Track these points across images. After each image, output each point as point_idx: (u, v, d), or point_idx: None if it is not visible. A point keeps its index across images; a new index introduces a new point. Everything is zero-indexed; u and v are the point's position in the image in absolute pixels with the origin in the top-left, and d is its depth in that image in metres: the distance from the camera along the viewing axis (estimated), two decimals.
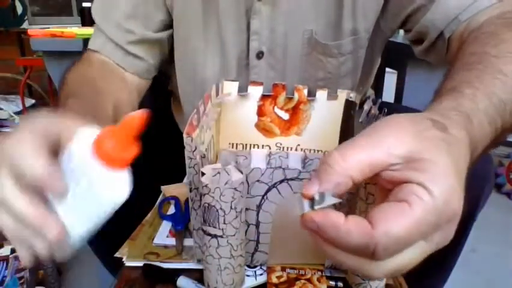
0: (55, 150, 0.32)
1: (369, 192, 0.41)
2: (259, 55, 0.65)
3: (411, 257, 0.27)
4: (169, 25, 0.68)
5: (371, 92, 0.85)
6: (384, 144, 0.27)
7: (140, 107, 0.69)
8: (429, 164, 0.26)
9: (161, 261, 0.50)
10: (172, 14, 0.67)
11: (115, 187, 0.31)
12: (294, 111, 0.61)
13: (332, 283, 0.47)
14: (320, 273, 0.48)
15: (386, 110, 0.48)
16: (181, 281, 0.46)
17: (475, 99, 0.34)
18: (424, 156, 0.26)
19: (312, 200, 0.27)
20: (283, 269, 0.49)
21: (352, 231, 0.25)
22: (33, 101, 1.82)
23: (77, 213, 0.32)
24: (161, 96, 0.79)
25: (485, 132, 0.34)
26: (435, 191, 0.25)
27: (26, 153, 0.30)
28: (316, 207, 0.27)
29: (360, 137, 0.29)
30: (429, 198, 0.25)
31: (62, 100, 0.51)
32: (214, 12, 0.64)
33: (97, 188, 0.30)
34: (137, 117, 0.29)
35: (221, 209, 0.40)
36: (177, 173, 0.69)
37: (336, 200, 0.27)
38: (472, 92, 0.35)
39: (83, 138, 0.30)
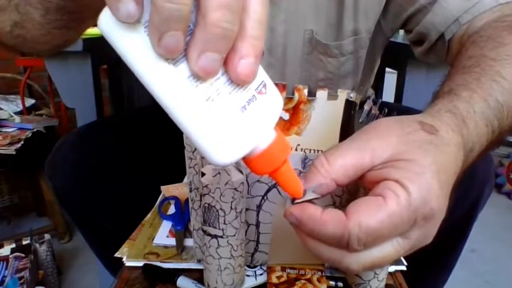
0: None
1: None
2: None
3: (387, 252, 0.27)
4: None
5: (371, 92, 0.85)
6: (369, 147, 0.28)
7: (141, 106, 0.69)
8: (408, 163, 0.27)
9: (161, 261, 0.50)
10: None
11: None
12: (294, 111, 0.60)
13: (332, 283, 0.47)
14: (320, 273, 0.48)
15: (386, 110, 0.48)
16: (181, 281, 0.46)
17: (470, 101, 0.34)
18: (405, 156, 0.27)
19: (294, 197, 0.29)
20: (283, 269, 0.49)
21: (327, 222, 0.26)
22: (33, 101, 1.81)
23: None
24: None
25: (482, 134, 0.34)
26: (411, 188, 0.26)
27: None
28: (296, 201, 0.28)
29: (347, 141, 0.29)
30: (404, 194, 0.25)
31: None
32: None
33: None
34: None
35: (221, 209, 0.40)
36: (177, 173, 0.69)
37: (315, 196, 0.28)
38: (468, 95, 0.35)
39: None
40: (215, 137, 0.22)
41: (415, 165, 0.27)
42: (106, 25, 0.20)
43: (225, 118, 0.22)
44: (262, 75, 0.24)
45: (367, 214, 0.25)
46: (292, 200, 0.28)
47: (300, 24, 0.63)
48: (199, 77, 0.21)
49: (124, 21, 0.19)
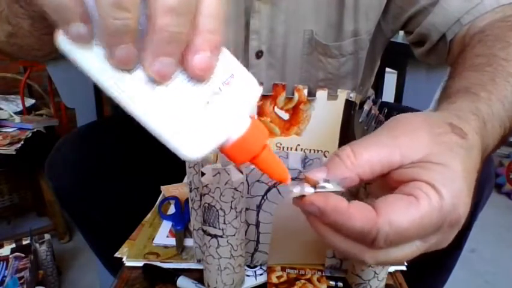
0: None
1: (370, 193, 0.41)
2: (259, 54, 0.65)
3: (405, 252, 0.27)
4: None
5: (371, 92, 0.85)
6: (398, 145, 0.27)
7: None
8: (441, 166, 0.26)
9: (161, 261, 0.50)
10: None
11: None
12: (294, 111, 0.60)
13: (332, 283, 0.47)
14: (320, 273, 0.48)
15: (386, 110, 0.48)
16: (181, 281, 0.46)
17: (489, 103, 0.35)
18: (437, 159, 0.26)
19: (315, 186, 0.27)
20: (283, 269, 0.49)
21: (355, 216, 0.25)
22: (33, 101, 1.81)
23: None
24: None
25: (496, 135, 0.35)
26: (443, 192, 0.25)
27: None
28: (318, 190, 0.27)
29: (376, 135, 0.28)
30: (436, 197, 0.25)
31: None
32: None
33: None
34: None
35: (221, 209, 0.40)
36: (177, 173, 0.69)
37: (339, 188, 0.27)
38: (487, 96, 0.36)
39: None
40: (181, 134, 0.23)
41: (447, 170, 0.26)
42: (62, 43, 0.21)
43: (188, 115, 0.23)
44: (231, 67, 0.24)
45: (399, 213, 0.25)
46: (313, 190, 0.27)
47: (300, 24, 0.63)
48: (155, 81, 0.22)
49: (76, 42, 0.21)
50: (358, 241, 0.26)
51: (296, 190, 0.28)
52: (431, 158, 0.27)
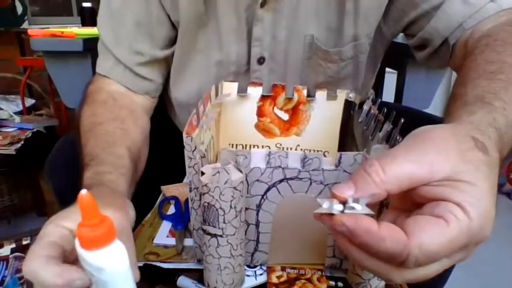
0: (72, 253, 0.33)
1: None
2: (261, 60, 0.65)
3: (432, 270, 0.27)
4: (172, 41, 0.67)
5: (371, 92, 0.85)
6: (427, 161, 0.27)
7: None
8: (469, 186, 0.26)
9: (161, 261, 0.50)
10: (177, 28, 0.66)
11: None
12: (294, 111, 0.61)
13: (332, 283, 0.47)
14: (320, 273, 0.48)
15: (385, 110, 0.48)
16: (181, 281, 0.46)
17: (505, 114, 0.35)
18: (465, 178, 0.27)
19: (343, 203, 0.27)
20: (283, 269, 0.49)
21: (386, 239, 0.25)
22: (33, 101, 1.82)
23: None
24: (161, 96, 0.79)
25: (509, 146, 0.35)
26: (472, 213, 0.25)
27: (37, 269, 0.31)
28: (347, 211, 0.27)
29: (403, 150, 0.29)
30: (466, 219, 0.25)
31: (81, 160, 0.51)
32: (213, 17, 0.63)
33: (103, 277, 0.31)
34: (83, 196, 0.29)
35: (221, 208, 0.40)
36: (177, 173, 0.69)
37: (369, 211, 0.27)
38: (501, 106, 0.36)
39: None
40: None
41: (474, 188, 0.26)
42: None
43: None
44: None
45: (429, 236, 0.25)
46: (342, 208, 0.27)
47: (301, 29, 0.63)
48: None
49: None
50: (386, 261, 0.26)
51: (325, 205, 0.28)
52: (458, 176, 0.27)
